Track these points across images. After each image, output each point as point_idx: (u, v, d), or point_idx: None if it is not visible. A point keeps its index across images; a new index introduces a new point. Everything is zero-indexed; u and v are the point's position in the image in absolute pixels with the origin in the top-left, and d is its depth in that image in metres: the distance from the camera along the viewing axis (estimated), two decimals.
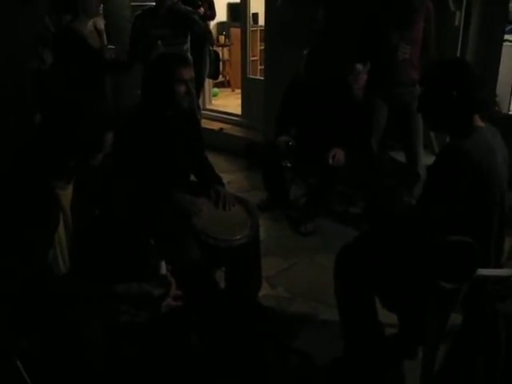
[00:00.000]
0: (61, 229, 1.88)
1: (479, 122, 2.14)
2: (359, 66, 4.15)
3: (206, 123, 5.95)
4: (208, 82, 6.60)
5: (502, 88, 4.46)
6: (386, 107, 3.89)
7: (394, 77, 3.76)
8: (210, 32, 6.11)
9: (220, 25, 8.40)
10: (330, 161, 3.66)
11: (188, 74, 2.63)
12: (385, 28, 3.68)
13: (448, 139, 2.26)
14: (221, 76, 7.22)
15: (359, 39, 3.89)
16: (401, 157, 4.08)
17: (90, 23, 4.14)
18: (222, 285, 2.85)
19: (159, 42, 4.33)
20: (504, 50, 4.22)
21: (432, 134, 4.11)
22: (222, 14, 8.20)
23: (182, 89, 2.59)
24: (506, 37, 4.60)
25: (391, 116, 3.93)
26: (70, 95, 1.92)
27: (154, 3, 4.59)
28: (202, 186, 2.84)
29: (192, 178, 2.97)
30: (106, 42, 4.35)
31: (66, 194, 1.92)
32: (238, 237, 2.57)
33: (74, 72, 3.86)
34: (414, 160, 3.85)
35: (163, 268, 1.93)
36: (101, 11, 4.48)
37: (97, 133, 1.83)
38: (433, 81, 2.17)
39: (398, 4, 3.68)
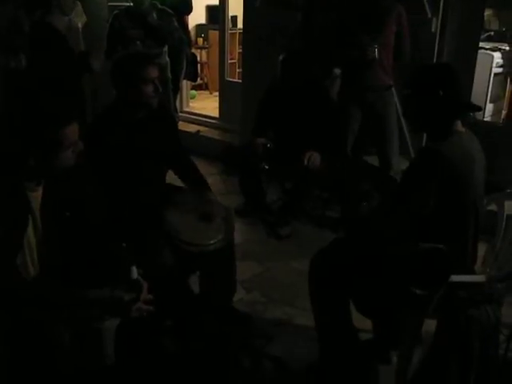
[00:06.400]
0: (30, 231, 1.83)
1: (460, 127, 2.16)
2: (336, 71, 4.17)
3: (183, 126, 5.90)
4: (186, 84, 6.57)
5: (477, 95, 4.51)
6: (360, 112, 3.91)
7: (364, 80, 3.78)
8: (188, 33, 6.09)
9: (198, 27, 8.38)
10: (306, 162, 3.67)
11: (154, 72, 2.55)
12: (354, 30, 3.70)
13: (424, 144, 2.29)
14: (199, 78, 7.18)
15: (333, 43, 3.90)
16: (376, 161, 4.09)
17: (66, 20, 4.08)
18: (197, 289, 2.82)
19: (138, 43, 4.30)
20: (479, 57, 4.27)
21: (408, 140, 4.13)
22: (200, 16, 8.18)
23: (150, 88, 2.52)
24: (482, 44, 4.67)
25: (365, 121, 3.95)
26: (24, 90, 1.86)
27: (131, 3, 4.57)
28: (189, 189, 2.81)
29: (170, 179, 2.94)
30: (80, 40, 4.28)
31: (36, 196, 1.87)
32: (212, 242, 2.53)
33: (47, 68, 3.78)
34: (388, 164, 3.87)
35: (134, 273, 1.90)
36: (78, 8, 4.40)
37: (51, 129, 1.75)
38: (418, 84, 2.19)
39: (365, 5, 3.71)
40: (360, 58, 3.68)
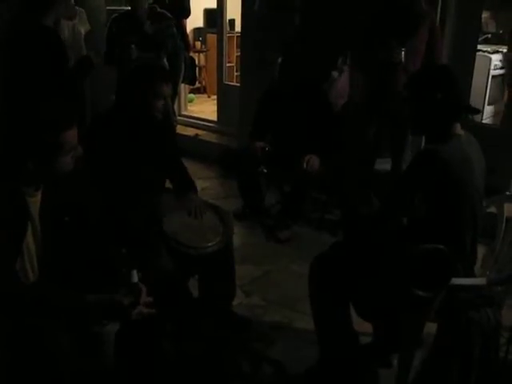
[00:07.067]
0: (29, 237, 1.83)
1: (459, 130, 2.16)
2: (335, 73, 4.16)
3: (181, 129, 5.91)
4: (184, 88, 6.57)
5: (475, 97, 4.52)
6: (377, 116, 3.87)
7: (386, 86, 3.71)
8: (186, 37, 6.09)
9: (196, 30, 8.38)
10: (305, 165, 3.67)
11: (168, 90, 2.59)
12: (384, 33, 3.66)
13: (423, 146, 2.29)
14: (197, 82, 7.19)
15: (361, 45, 3.87)
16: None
17: (71, 25, 4.06)
18: (196, 293, 2.82)
19: (132, 46, 4.29)
20: (477, 60, 4.28)
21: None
22: (198, 20, 8.19)
23: (160, 104, 2.55)
24: (479, 47, 4.68)
25: (381, 125, 3.93)
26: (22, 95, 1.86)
27: (129, 7, 4.57)
28: (175, 191, 2.81)
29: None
30: (83, 46, 4.26)
31: (35, 201, 1.87)
32: (210, 244, 2.53)
33: (47, 71, 3.74)
34: (399, 169, 3.84)
35: (135, 276, 1.89)
36: (83, 15, 4.38)
37: (51, 133, 1.76)
38: (416, 86, 2.20)
39: (399, 9, 3.64)
40: (387, 60, 3.64)
